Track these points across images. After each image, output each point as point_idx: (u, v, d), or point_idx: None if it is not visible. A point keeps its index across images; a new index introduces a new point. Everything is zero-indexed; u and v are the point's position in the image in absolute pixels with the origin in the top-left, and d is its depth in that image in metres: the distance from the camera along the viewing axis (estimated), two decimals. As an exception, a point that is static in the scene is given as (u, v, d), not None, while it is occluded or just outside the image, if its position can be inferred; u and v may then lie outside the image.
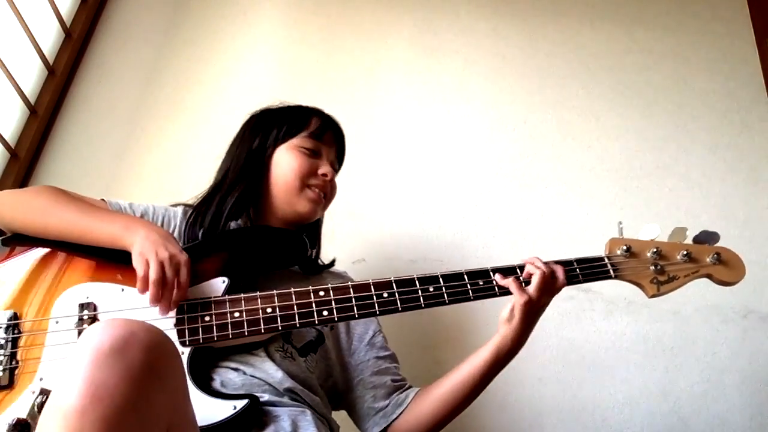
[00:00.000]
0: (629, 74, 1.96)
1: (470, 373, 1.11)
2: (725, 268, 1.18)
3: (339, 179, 1.34)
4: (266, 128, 1.26)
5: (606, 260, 1.16)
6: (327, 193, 1.25)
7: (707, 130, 1.90)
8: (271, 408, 1.00)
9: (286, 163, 1.22)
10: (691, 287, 1.68)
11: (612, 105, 1.92)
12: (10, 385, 0.93)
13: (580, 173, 1.83)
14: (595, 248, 1.70)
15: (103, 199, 1.17)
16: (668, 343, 1.64)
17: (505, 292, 1.09)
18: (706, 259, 1.18)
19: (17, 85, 1.67)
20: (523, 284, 1.09)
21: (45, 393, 0.89)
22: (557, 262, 1.13)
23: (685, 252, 1.17)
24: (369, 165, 1.81)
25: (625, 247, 1.17)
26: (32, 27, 1.72)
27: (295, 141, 1.24)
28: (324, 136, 1.26)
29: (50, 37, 1.84)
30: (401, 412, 1.15)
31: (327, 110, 1.33)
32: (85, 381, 0.68)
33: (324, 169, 1.23)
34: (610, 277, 1.15)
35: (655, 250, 1.17)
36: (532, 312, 1.08)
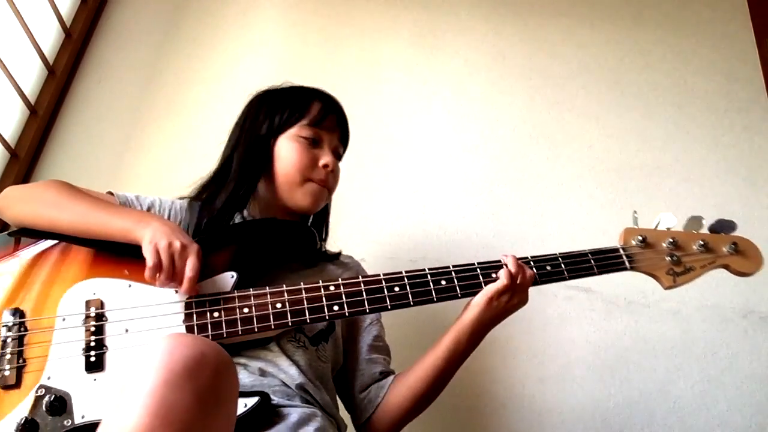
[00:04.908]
0: (629, 74, 1.96)
1: (436, 358, 1.11)
2: (742, 258, 1.13)
3: (340, 177, 1.34)
4: (267, 114, 1.23)
5: (621, 251, 1.13)
6: (330, 183, 1.22)
7: (707, 130, 1.90)
8: (281, 409, 0.99)
9: (286, 155, 1.19)
10: (692, 287, 1.68)
11: (612, 105, 1.92)
12: (17, 384, 0.91)
13: (580, 173, 1.83)
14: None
15: (110, 192, 1.15)
16: (668, 343, 1.63)
17: None
18: (723, 249, 1.13)
19: (17, 85, 1.67)
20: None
21: (53, 392, 0.89)
22: (568, 255, 1.12)
23: (701, 242, 1.13)
24: (369, 165, 1.81)
25: (640, 238, 1.13)
26: (32, 27, 1.72)
27: (294, 130, 1.20)
28: (325, 122, 1.21)
29: (50, 37, 1.84)
30: (383, 395, 1.15)
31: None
32: (157, 401, 0.65)
33: (325, 159, 1.19)
34: (625, 269, 1.13)
35: (671, 240, 1.13)
36: (490, 308, 1.08)
